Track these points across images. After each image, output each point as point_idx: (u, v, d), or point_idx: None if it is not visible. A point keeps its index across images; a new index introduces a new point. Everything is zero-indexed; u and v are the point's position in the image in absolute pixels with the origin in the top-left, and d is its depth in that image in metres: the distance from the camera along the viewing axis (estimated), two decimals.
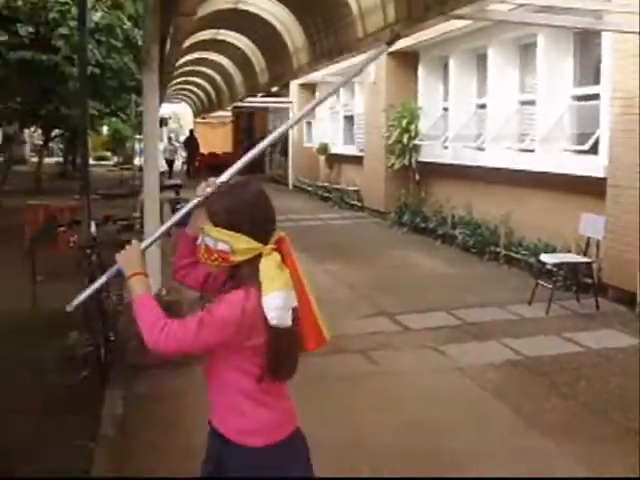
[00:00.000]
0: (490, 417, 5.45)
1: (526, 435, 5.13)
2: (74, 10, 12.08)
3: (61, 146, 40.27)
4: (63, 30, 11.49)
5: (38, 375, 6.40)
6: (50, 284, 8.85)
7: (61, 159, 38.82)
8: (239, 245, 2.45)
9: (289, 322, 2.43)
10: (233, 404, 2.53)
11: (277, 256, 2.47)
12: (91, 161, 44.81)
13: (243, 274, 2.47)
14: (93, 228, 7.68)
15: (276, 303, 2.39)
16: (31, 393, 6.04)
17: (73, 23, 11.84)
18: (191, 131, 35.28)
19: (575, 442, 4.95)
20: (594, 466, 4.60)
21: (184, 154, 35.09)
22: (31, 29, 11.70)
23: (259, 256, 2.45)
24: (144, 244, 2.72)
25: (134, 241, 2.68)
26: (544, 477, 4.08)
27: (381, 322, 7.90)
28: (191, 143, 33.96)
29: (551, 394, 5.85)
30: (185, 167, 34.70)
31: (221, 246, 2.45)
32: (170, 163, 32.42)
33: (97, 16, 12.37)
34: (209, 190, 2.58)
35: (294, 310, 2.46)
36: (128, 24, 13.75)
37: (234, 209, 2.47)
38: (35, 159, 44.38)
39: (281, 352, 2.47)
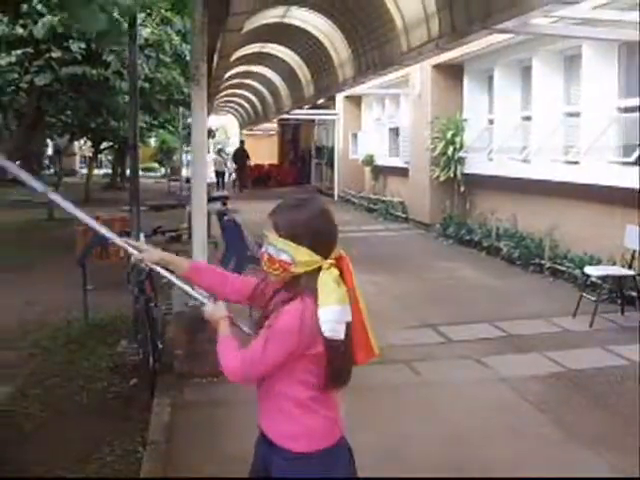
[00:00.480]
0: (533, 428, 5.47)
1: (568, 447, 5.16)
2: (124, 26, 12.38)
3: (109, 158, 41.00)
4: (114, 46, 11.81)
5: (89, 382, 6.59)
6: (101, 294, 9.08)
7: (109, 171, 39.51)
8: (300, 257, 2.56)
9: (342, 335, 2.54)
10: (283, 409, 2.64)
11: (336, 271, 2.58)
12: (142, 173, 45.59)
13: (301, 285, 2.58)
14: (142, 239, 7.85)
15: (331, 316, 2.50)
16: (82, 399, 6.22)
17: (123, 39, 12.15)
18: (242, 142, 34.50)
19: (617, 454, 4.96)
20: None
21: (233, 165, 34.33)
22: (83, 45, 12.03)
23: (318, 269, 2.57)
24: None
25: (219, 303, 2.88)
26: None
27: (425, 333, 7.95)
28: (241, 155, 32.98)
29: (595, 407, 5.86)
30: (233, 179, 34.45)
31: (283, 256, 2.57)
32: (219, 175, 32.07)
33: (146, 32, 12.66)
34: None
35: (348, 325, 2.56)
36: (176, 39, 14.04)
37: (298, 222, 2.59)
38: (84, 171, 45.20)
39: (337, 363, 2.59)
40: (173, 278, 3.05)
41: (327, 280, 2.55)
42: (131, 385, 6.52)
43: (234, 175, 34.32)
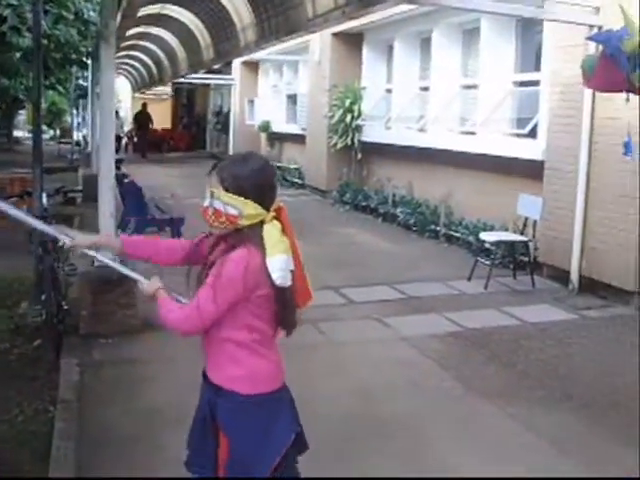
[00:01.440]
0: (434, 383, 5.75)
1: (469, 400, 5.45)
2: None
3: None
4: (11, 0, 11.39)
5: None
6: (0, 255, 8.88)
7: None
8: (248, 210, 2.69)
9: (290, 282, 2.72)
10: (228, 354, 2.77)
11: (278, 223, 2.74)
12: (27, 134, 43.97)
13: (244, 236, 2.71)
14: (45, 200, 7.73)
15: (280, 265, 2.67)
16: None
17: None
18: (144, 105, 31.96)
19: (515, 405, 5.29)
20: (532, 426, 4.94)
21: (131, 130, 32.36)
22: None
23: (261, 221, 2.71)
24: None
25: (154, 278, 2.94)
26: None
27: (327, 295, 8.10)
28: (144, 118, 30.85)
29: (491, 363, 6.19)
30: (126, 143, 33.25)
31: (231, 210, 2.69)
32: (116, 139, 30.96)
33: None
34: None
35: (292, 272, 2.74)
36: None
37: (244, 177, 2.71)
38: None
39: (285, 308, 2.77)
40: (105, 259, 3.19)
41: (273, 232, 2.70)
42: (35, 346, 6.44)
43: (128, 140, 33.27)
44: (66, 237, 3.07)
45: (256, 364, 2.77)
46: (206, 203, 2.74)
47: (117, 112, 30.72)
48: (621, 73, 5.88)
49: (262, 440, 2.76)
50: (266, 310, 2.75)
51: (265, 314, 2.76)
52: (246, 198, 2.69)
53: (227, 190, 2.69)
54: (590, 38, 7.00)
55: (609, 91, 6.78)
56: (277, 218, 2.76)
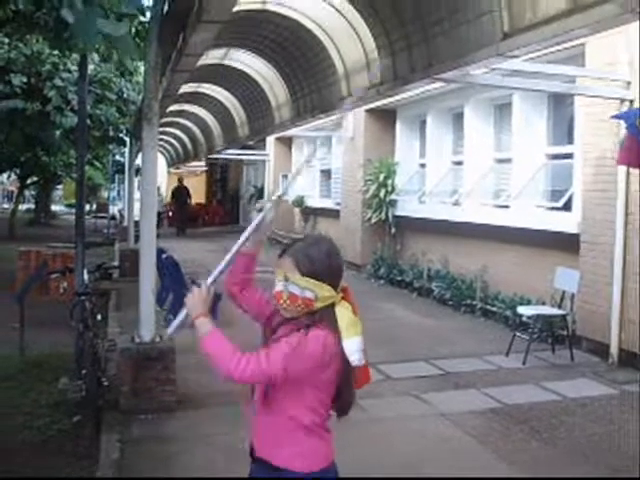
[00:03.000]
0: (475, 460, 5.68)
1: (509, 475, 5.38)
2: (67, 63, 12.45)
3: (32, 193, 40.29)
4: (56, 82, 11.80)
5: (31, 420, 6.50)
6: (35, 331, 8.98)
7: (31, 206, 38.79)
8: (323, 293, 2.74)
9: (363, 362, 2.77)
10: (290, 432, 2.78)
11: (348, 304, 2.80)
12: (63, 208, 44.71)
13: (320, 318, 2.75)
14: (86, 275, 7.87)
15: (358, 346, 2.72)
16: (25, 437, 6.14)
17: (65, 75, 12.17)
18: (180, 180, 31.22)
19: None
20: None
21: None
22: (24, 79, 12.00)
23: (332, 303, 2.77)
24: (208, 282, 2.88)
25: (202, 283, 2.86)
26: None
27: None
28: (181, 193, 29.73)
29: (532, 439, 6.10)
30: (166, 218, 31.30)
31: (308, 294, 2.73)
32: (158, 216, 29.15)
33: (90, 68, 12.73)
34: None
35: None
36: (113, 76, 14.13)
37: (319, 260, 2.77)
38: (5, 205, 44.12)
39: (349, 386, 2.81)
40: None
41: (345, 312, 2.77)
42: (75, 422, 6.47)
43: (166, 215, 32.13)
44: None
45: (314, 444, 2.80)
46: (279, 287, 2.77)
47: (158, 188, 30.38)
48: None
49: None
50: (329, 394, 2.79)
51: (328, 398, 2.80)
52: (321, 281, 2.74)
53: (303, 274, 2.74)
54: (613, 117, 7.16)
55: (633, 166, 6.90)
56: (344, 298, 2.82)
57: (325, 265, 2.78)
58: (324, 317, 2.75)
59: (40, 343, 8.86)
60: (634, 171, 8.06)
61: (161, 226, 28.11)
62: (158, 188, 27.75)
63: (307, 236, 2.97)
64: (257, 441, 2.88)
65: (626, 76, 8.35)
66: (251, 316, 3.04)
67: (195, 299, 2.81)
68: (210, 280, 2.88)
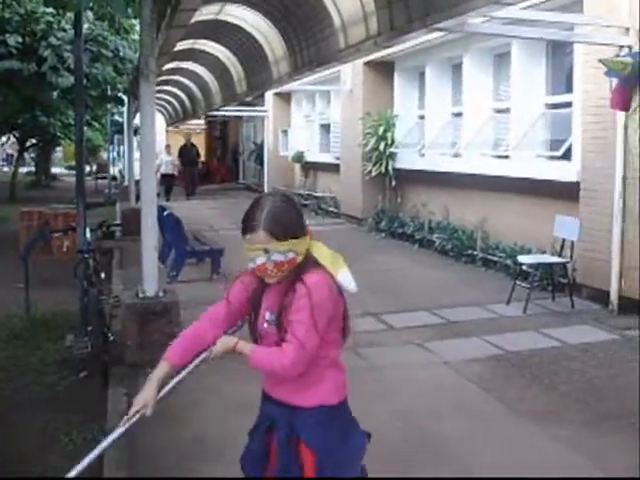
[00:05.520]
0: (477, 406, 5.77)
1: (511, 421, 5.48)
2: (62, 22, 12.37)
3: (32, 156, 40.24)
4: (52, 40, 11.72)
5: (38, 376, 6.60)
6: (38, 290, 9.06)
7: (32, 169, 38.74)
8: (302, 248, 2.82)
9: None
10: (320, 372, 2.88)
11: (319, 243, 2.92)
12: (63, 170, 44.65)
13: (306, 267, 2.83)
14: (88, 234, 7.91)
15: (348, 276, 2.85)
16: (33, 394, 6.23)
17: (60, 34, 12.09)
18: (188, 137, 28.70)
19: (557, 426, 5.29)
20: (575, 446, 4.95)
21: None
22: (19, 39, 11.92)
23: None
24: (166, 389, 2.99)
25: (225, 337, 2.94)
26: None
27: (367, 321, 8.18)
28: (189, 153, 27.28)
29: (533, 385, 6.20)
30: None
31: (290, 255, 2.79)
32: (168, 179, 25.41)
33: (85, 27, 12.63)
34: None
35: None
36: (109, 34, 14.02)
37: (289, 219, 2.82)
38: (5, 168, 44.03)
39: (348, 316, 2.95)
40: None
41: (324, 250, 2.89)
42: (82, 377, 6.56)
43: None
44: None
45: (338, 375, 2.94)
46: (261, 261, 2.79)
47: (169, 147, 27.40)
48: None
49: (348, 446, 2.90)
50: (340, 326, 2.90)
51: (340, 331, 2.91)
52: (297, 237, 2.80)
53: (280, 239, 2.76)
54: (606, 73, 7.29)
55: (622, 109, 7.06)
56: (311, 238, 2.92)
57: (294, 220, 2.83)
58: (309, 264, 2.83)
59: (45, 302, 8.94)
60: (633, 118, 8.05)
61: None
62: (169, 147, 26.70)
63: (260, 200, 2.87)
64: (277, 389, 2.95)
65: (625, 22, 8.29)
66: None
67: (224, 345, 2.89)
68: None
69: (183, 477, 4.91)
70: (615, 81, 7.11)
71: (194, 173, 27.07)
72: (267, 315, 2.89)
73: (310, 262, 2.83)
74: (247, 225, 2.80)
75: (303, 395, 2.88)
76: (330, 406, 2.89)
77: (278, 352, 2.76)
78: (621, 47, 8.25)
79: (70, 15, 10.62)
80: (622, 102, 7.07)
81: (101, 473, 4.55)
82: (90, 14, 12.86)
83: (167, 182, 25.05)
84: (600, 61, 7.46)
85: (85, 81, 13.26)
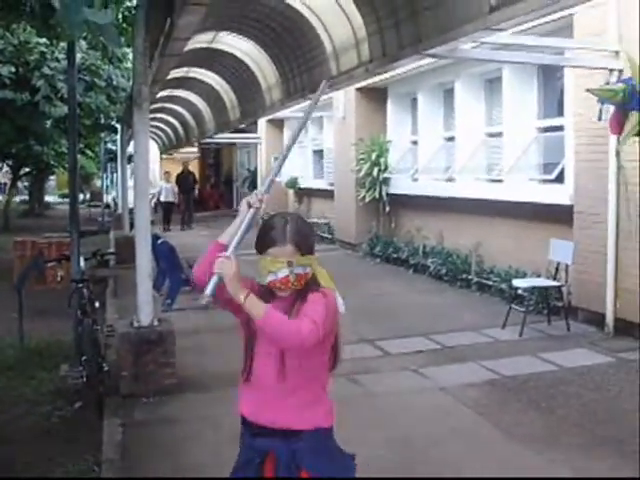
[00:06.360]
0: (473, 431, 5.75)
1: (508, 446, 5.45)
2: (55, 52, 12.42)
3: (26, 184, 40.21)
4: (45, 70, 11.77)
5: (32, 407, 6.56)
6: (32, 320, 9.02)
7: (25, 197, 38.69)
8: (315, 264, 2.93)
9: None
10: (316, 394, 2.93)
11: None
12: (57, 199, 44.61)
13: (315, 282, 2.92)
14: (82, 263, 7.89)
15: (339, 298, 2.93)
16: (27, 424, 6.20)
17: (53, 64, 12.16)
18: (185, 164, 26.93)
19: (554, 450, 5.27)
20: (574, 471, 4.92)
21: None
22: (12, 69, 11.98)
23: None
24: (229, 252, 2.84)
25: (228, 256, 2.81)
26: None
27: (363, 348, 8.16)
28: (186, 180, 25.60)
29: (530, 409, 6.17)
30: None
31: (308, 270, 2.88)
32: (168, 207, 24.15)
33: (78, 57, 12.70)
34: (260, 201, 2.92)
35: None
36: (102, 63, 14.08)
37: (311, 236, 2.95)
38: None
39: (338, 340, 2.99)
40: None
41: (323, 270, 2.97)
42: (76, 408, 6.52)
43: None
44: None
45: (329, 399, 3.01)
46: (283, 274, 2.82)
47: (168, 173, 25.81)
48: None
49: (343, 467, 2.96)
50: (332, 340, 2.93)
51: (331, 346, 2.94)
52: (313, 253, 2.91)
53: (303, 254, 2.85)
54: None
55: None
56: None
57: (313, 237, 2.97)
58: (314, 279, 2.92)
59: (39, 331, 8.91)
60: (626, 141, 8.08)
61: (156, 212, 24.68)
62: (168, 173, 25.21)
63: (285, 217, 2.93)
64: (271, 415, 2.92)
65: (614, 46, 8.36)
66: (222, 306, 2.97)
67: (225, 261, 2.79)
68: (231, 250, 2.86)
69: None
70: (611, 108, 7.19)
71: (190, 201, 25.48)
72: None
73: (314, 280, 2.92)
74: (273, 239, 2.85)
75: (301, 418, 2.90)
76: (325, 429, 2.94)
77: (293, 321, 2.76)
78: (611, 70, 8.30)
79: (63, 45, 10.67)
80: (620, 127, 7.15)
81: None
82: (83, 43, 12.92)
83: (166, 210, 24.16)
84: (588, 91, 7.51)
85: (78, 110, 13.30)
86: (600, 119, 7.33)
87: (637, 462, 5.01)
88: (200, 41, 12.35)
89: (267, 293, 2.91)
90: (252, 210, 2.92)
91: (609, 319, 8.56)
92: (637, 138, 7.30)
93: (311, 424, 2.90)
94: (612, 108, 7.28)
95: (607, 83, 7.54)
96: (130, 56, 14.23)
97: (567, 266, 8.85)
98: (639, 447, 5.23)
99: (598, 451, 5.29)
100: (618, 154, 7.67)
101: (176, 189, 24.40)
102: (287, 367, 2.85)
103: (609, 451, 5.27)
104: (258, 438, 2.96)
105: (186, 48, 11.38)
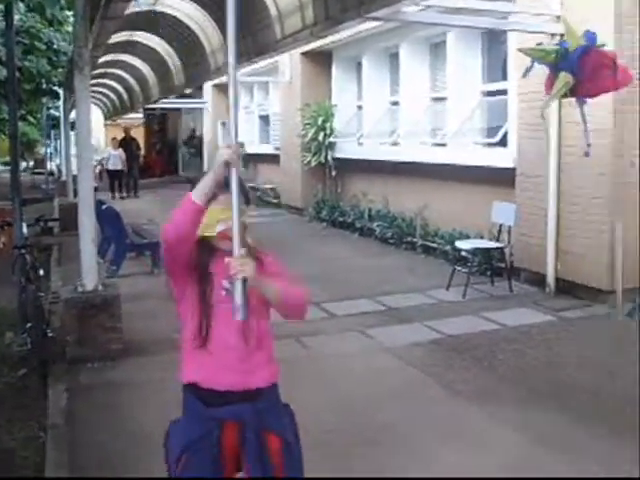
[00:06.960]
0: (419, 389, 5.86)
1: (452, 402, 5.58)
2: None
3: None
4: None
5: None
6: None
7: None
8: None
9: None
10: (268, 354, 2.92)
11: None
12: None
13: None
14: (25, 229, 7.79)
15: None
16: None
17: None
18: (126, 131, 25.52)
19: (496, 405, 5.41)
20: (514, 425, 5.06)
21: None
22: None
23: None
24: None
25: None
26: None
27: (309, 310, 8.18)
28: (129, 146, 24.15)
29: (473, 367, 6.30)
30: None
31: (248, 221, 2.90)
32: (116, 174, 23.15)
33: (15, 19, 12.35)
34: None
35: None
36: (43, 26, 13.75)
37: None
38: None
39: None
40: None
41: None
42: (21, 375, 6.48)
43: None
44: None
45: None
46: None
47: (115, 139, 24.53)
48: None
49: (291, 420, 3.00)
50: None
51: None
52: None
53: (247, 204, 2.88)
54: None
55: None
56: None
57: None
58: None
59: None
60: (566, 103, 8.20)
61: (101, 180, 24.78)
62: (115, 140, 23.80)
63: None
64: (232, 378, 2.81)
65: (556, 11, 8.44)
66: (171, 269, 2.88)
67: (244, 262, 2.65)
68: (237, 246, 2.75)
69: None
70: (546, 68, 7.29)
71: (134, 168, 23.96)
72: (225, 283, 2.77)
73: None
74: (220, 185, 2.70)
75: (262, 376, 2.85)
76: (276, 384, 2.93)
77: (296, 289, 2.89)
78: (553, 35, 8.39)
79: (0, 7, 10.38)
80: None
81: None
82: (21, 5, 12.59)
83: (114, 178, 23.16)
84: (520, 50, 7.60)
85: (18, 74, 13.02)
86: (524, 76, 7.49)
87: (574, 415, 5.18)
88: (143, 3, 12.18)
89: (206, 248, 2.84)
90: (234, 169, 2.65)
91: (550, 279, 8.74)
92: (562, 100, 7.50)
93: (268, 381, 2.87)
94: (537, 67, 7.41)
95: (540, 44, 7.60)
96: (71, 19, 13.93)
97: (509, 228, 9.00)
98: (577, 401, 5.41)
99: (538, 405, 5.44)
100: (542, 116, 7.75)
101: (124, 156, 23.23)
102: (250, 328, 2.78)
103: (548, 405, 5.42)
104: (212, 407, 2.80)
105: (128, 11, 11.23)
